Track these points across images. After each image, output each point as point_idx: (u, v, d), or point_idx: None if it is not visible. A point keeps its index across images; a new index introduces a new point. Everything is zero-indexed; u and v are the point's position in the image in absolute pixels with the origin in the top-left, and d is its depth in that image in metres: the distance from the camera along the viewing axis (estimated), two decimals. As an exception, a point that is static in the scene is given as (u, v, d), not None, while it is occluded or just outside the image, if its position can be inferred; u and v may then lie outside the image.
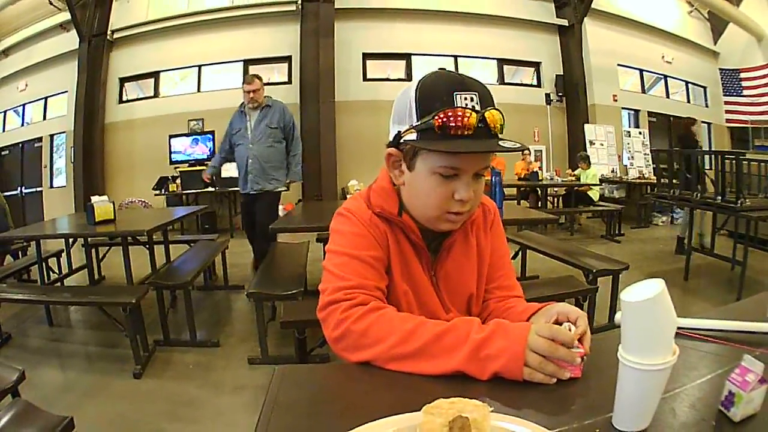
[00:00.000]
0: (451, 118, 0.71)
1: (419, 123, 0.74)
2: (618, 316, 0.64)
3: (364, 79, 7.76)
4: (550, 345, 0.62)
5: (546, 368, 0.62)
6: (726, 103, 10.17)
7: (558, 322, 0.72)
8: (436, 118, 0.72)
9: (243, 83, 3.75)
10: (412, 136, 0.76)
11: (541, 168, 7.54)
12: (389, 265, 0.83)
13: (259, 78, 3.74)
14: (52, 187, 8.82)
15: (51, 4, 8.53)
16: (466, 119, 0.71)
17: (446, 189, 0.77)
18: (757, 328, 0.77)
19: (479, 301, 0.92)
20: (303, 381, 0.68)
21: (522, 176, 6.92)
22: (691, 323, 0.78)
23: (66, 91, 8.43)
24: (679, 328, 0.52)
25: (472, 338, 0.64)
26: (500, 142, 0.74)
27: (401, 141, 0.78)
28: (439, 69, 0.80)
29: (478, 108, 0.73)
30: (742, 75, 9.96)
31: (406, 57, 7.96)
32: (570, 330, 0.67)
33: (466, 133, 0.71)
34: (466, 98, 0.73)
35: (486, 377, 0.63)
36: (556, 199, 7.38)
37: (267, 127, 3.67)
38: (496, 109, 0.74)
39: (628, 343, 0.50)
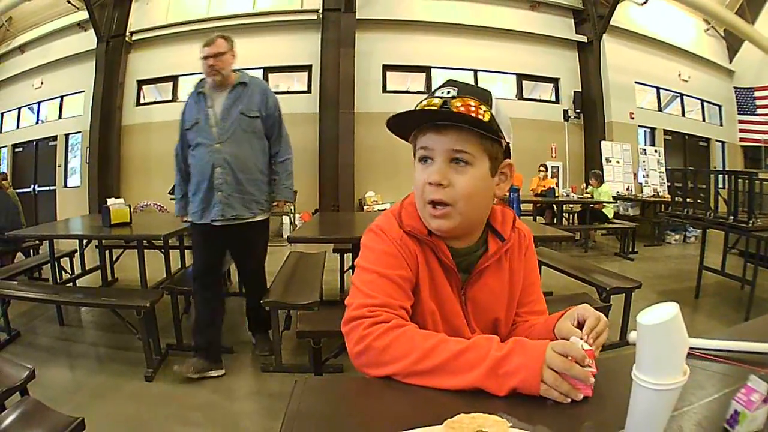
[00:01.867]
0: (422, 104, 0.77)
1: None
2: (632, 335, 0.65)
3: (384, 90, 7.80)
4: (565, 362, 0.63)
5: (561, 386, 0.62)
6: (740, 122, 10.19)
7: (580, 323, 0.75)
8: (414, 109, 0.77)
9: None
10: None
11: (557, 184, 7.56)
12: (418, 284, 0.83)
13: (227, 39, 2.45)
14: (66, 186, 8.83)
15: (69, 2, 8.54)
16: (429, 104, 0.76)
17: (423, 175, 0.79)
18: (763, 349, 0.79)
19: (507, 325, 0.92)
20: (323, 392, 0.70)
21: (538, 192, 6.94)
22: (701, 343, 0.80)
23: (83, 91, 8.45)
24: (690, 348, 0.54)
25: (492, 355, 0.66)
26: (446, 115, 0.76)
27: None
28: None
29: (451, 96, 0.76)
30: (756, 93, 9.99)
31: (426, 69, 8.00)
32: (582, 347, 0.68)
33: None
34: (443, 91, 0.77)
35: (504, 393, 0.64)
36: (571, 216, 7.40)
37: (242, 116, 2.42)
38: (473, 98, 0.76)
39: (643, 363, 0.52)
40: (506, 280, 0.90)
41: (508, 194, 6.52)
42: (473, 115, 0.74)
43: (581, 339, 0.71)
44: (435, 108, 0.75)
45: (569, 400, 0.63)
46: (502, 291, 0.89)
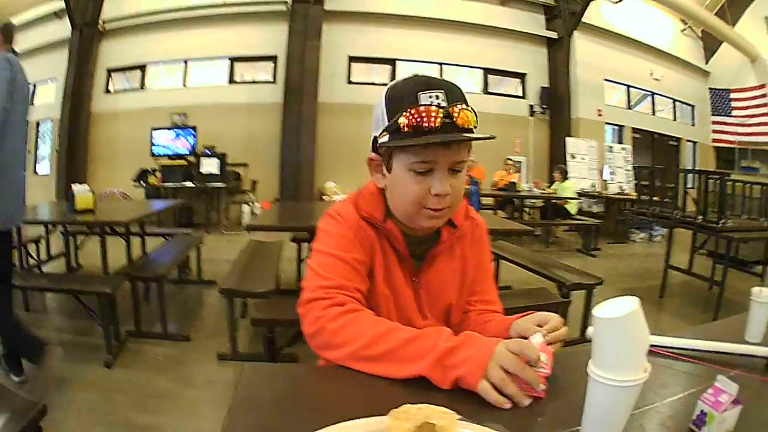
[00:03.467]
0: (415, 116, 0.74)
1: (389, 124, 0.77)
2: (589, 330, 0.64)
3: (348, 81, 7.78)
4: (517, 362, 0.61)
5: (506, 387, 0.60)
6: (714, 122, 10.19)
7: (540, 325, 0.74)
8: (402, 116, 0.75)
9: None
10: (385, 138, 0.79)
11: (519, 179, 7.55)
12: (373, 270, 0.85)
13: None
14: (35, 173, 8.84)
15: None
16: (430, 117, 0.73)
17: (422, 185, 0.78)
18: (732, 349, 0.77)
19: (459, 311, 0.93)
20: (272, 379, 0.69)
21: (500, 186, 6.93)
22: (665, 341, 0.78)
23: (55, 79, 8.45)
24: (653, 345, 0.52)
25: (441, 346, 0.65)
26: (466, 134, 0.76)
27: (378, 145, 0.81)
28: (411, 74, 0.82)
29: (444, 104, 0.75)
30: (732, 95, 9.98)
31: (392, 62, 7.98)
32: (542, 339, 0.67)
33: (432, 126, 0.74)
34: (431, 96, 0.75)
35: (447, 385, 0.63)
36: (533, 211, 7.39)
37: None
38: (466, 106, 0.76)
39: (599, 358, 0.50)
40: (458, 267, 0.92)
41: (469, 186, 6.52)
42: (471, 124, 0.76)
43: (540, 334, 0.69)
44: (438, 123, 0.74)
45: (508, 405, 0.59)
46: (453, 277, 0.91)
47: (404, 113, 0.74)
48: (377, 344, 0.68)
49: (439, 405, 0.51)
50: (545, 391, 0.61)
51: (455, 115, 0.74)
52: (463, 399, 0.60)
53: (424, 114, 0.73)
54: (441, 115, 0.74)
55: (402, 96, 0.77)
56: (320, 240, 0.86)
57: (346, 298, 0.77)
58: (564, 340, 0.74)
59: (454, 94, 0.76)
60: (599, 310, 0.49)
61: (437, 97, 0.75)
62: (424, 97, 0.75)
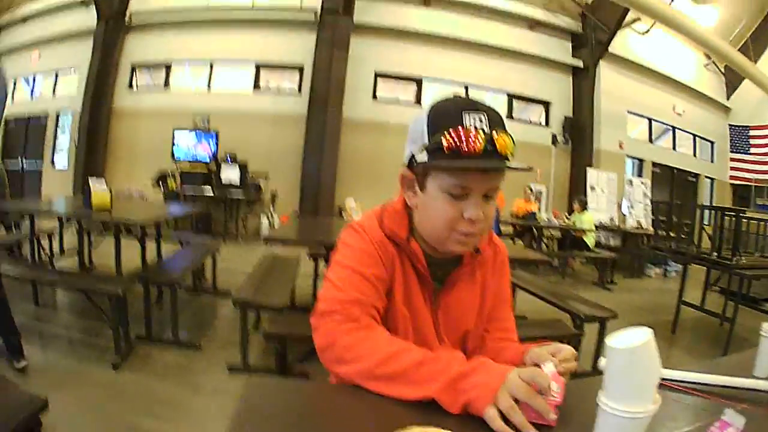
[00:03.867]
0: (460, 138, 0.73)
1: (429, 143, 0.76)
2: (601, 362, 0.63)
3: (374, 97, 7.76)
4: (528, 390, 0.61)
5: (513, 416, 0.59)
6: (732, 159, 10.18)
7: (554, 355, 0.74)
8: (445, 136, 0.74)
9: None
10: (424, 156, 0.78)
11: (539, 208, 7.55)
12: (392, 288, 0.84)
13: None
14: (53, 164, 8.82)
15: None
16: (472, 140, 0.73)
17: (456, 209, 0.78)
18: (740, 384, 0.78)
19: (476, 338, 0.92)
20: (277, 394, 0.68)
21: (520, 215, 6.92)
22: (675, 375, 0.79)
23: (77, 70, 8.42)
24: (662, 378, 0.53)
25: (454, 370, 0.65)
26: (508, 163, 0.76)
27: (414, 162, 0.80)
28: (454, 94, 0.82)
29: (486, 128, 0.74)
30: (752, 132, 9.97)
31: (418, 80, 7.96)
32: (550, 370, 0.67)
33: (474, 151, 0.73)
34: (474, 117, 0.75)
35: (456, 410, 0.62)
36: (551, 241, 7.39)
37: None
38: (506, 133, 0.76)
39: (610, 389, 0.50)
40: (478, 293, 0.91)
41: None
42: (509, 152, 0.76)
43: (553, 363, 0.69)
44: (480, 147, 0.73)
45: None
46: (473, 303, 0.91)
47: (447, 133, 0.74)
48: (389, 363, 0.68)
49: (446, 428, 0.52)
50: (555, 420, 0.61)
51: (496, 141, 0.74)
52: (471, 425, 0.60)
53: (465, 137, 0.73)
54: (483, 139, 0.73)
55: (445, 115, 0.76)
56: (341, 252, 0.85)
57: (361, 314, 0.76)
58: (574, 372, 0.73)
59: (495, 119, 0.76)
60: (612, 340, 0.49)
61: (480, 120, 0.75)
62: (468, 118, 0.74)
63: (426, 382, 0.65)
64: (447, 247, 0.82)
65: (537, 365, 0.71)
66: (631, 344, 0.48)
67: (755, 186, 9.96)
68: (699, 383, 0.77)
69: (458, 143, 0.73)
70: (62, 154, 8.76)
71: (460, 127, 0.73)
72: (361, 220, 0.89)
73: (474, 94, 7.99)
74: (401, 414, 0.62)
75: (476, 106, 0.76)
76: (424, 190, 0.81)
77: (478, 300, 0.91)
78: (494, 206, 0.81)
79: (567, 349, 0.75)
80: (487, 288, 0.92)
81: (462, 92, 7.74)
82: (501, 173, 0.78)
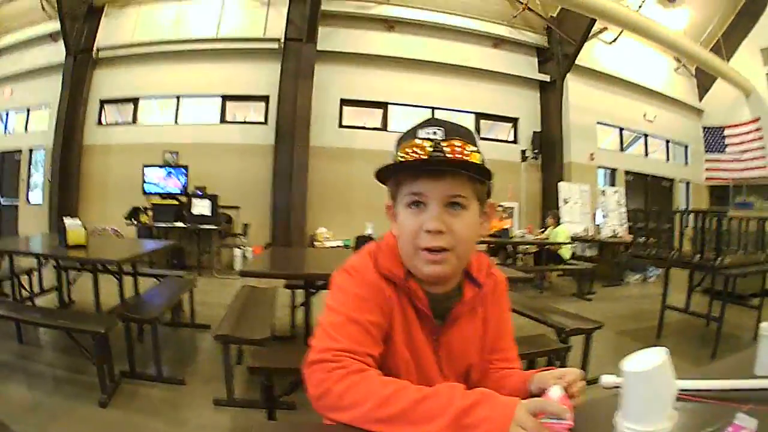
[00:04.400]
0: (407, 149, 0.75)
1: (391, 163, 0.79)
2: (603, 379, 0.65)
3: (340, 125, 7.76)
4: (537, 425, 0.60)
5: None
6: (707, 161, 10.20)
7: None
8: (398, 151, 0.77)
9: None
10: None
11: (512, 224, 7.57)
12: (392, 331, 0.81)
13: None
14: (28, 201, 8.83)
15: (44, 9, 8.50)
16: (419, 148, 0.75)
17: (417, 221, 0.77)
18: (746, 386, 0.78)
19: (479, 371, 0.91)
20: None
21: (492, 233, 6.93)
22: (682, 384, 0.77)
23: (48, 106, 8.42)
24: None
25: (456, 405, 0.63)
26: (452, 165, 0.75)
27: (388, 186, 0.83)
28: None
29: (439, 138, 0.75)
30: (727, 132, 10.01)
31: (383, 105, 7.96)
32: (562, 391, 0.67)
33: (420, 157, 0.74)
34: (428, 131, 0.76)
35: None
36: (525, 257, 7.41)
37: None
38: (463, 140, 0.76)
39: (628, 410, 0.50)
40: (480, 327, 0.89)
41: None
42: (465, 157, 0.75)
43: (559, 386, 0.69)
44: (425, 154, 0.74)
45: None
46: (475, 338, 0.89)
47: (399, 148, 0.77)
48: (387, 406, 0.66)
49: None
50: None
51: (446, 145, 0.74)
52: None
53: (413, 146, 0.75)
54: (429, 146, 0.74)
55: (406, 134, 0.79)
56: (334, 297, 0.82)
57: (354, 362, 0.73)
58: (581, 396, 0.73)
59: (455, 132, 0.77)
60: (628, 363, 0.49)
61: (435, 133, 0.76)
62: (422, 132, 0.76)
63: (429, 420, 0.63)
64: (419, 269, 0.80)
65: (543, 390, 0.72)
66: (647, 367, 0.48)
67: (733, 185, 10.00)
68: (704, 389, 0.77)
69: (407, 154, 0.75)
70: (37, 191, 8.78)
71: (412, 141, 0.76)
72: (354, 260, 0.85)
73: (440, 116, 7.98)
74: None
75: (434, 122, 0.78)
76: (397, 214, 0.82)
77: (480, 334, 0.89)
78: (466, 221, 0.78)
79: (573, 373, 0.74)
80: (489, 322, 0.90)
81: (429, 115, 7.76)
82: (459, 181, 0.76)
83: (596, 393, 0.79)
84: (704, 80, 10.11)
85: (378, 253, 0.84)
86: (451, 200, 0.77)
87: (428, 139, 0.75)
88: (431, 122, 0.78)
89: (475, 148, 0.77)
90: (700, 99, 10.24)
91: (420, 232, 0.77)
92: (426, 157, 0.75)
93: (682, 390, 0.74)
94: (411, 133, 0.77)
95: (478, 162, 0.76)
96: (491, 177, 0.78)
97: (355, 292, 0.80)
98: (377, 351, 0.78)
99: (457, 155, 0.74)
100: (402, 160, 0.77)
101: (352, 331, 0.76)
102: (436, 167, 0.75)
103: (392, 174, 0.80)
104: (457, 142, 0.75)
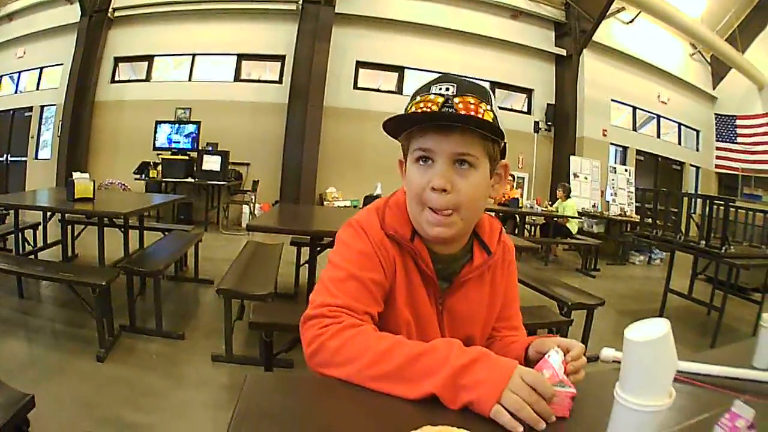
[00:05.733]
0: (420, 103, 0.73)
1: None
2: (604, 352, 0.64)
3: (355, 87, 7.74)
4: (532, 393, 0.59)
5: (521, 412, 0.57)
6: (718, 148, 10.19)
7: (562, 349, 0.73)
8: (410, 106, 0.75)
9: None
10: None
11: (521, 195, 7.54)
12: (393, 291, 0.80)
13: None
14: (36, 158, 8.81)
15: None
16: (431, 102, 0.72)
17: (423, 177, 0.75)
18: (745, 375, 0.77)
19: (483, 340, 0.89)
20: (276, 391, 0.65)
21: (501, 202, 6.90)
22: (682, 366, 0.78)
23: (61, 64, 8.42)
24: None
25: (452, 364, 0.61)
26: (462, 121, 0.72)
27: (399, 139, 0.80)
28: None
29: (451, 94, 0.73)
30: (738, 122, 9.99)
31: (399, 69, 7.95)
32: (561, 356, 0.67)
33: (430, 111, 0.72)
34: (441, 87, 0.73)
35: (457, 406, 0.60)
36: (533, 228, 7.38)
37: None
38: (476, 97, 0.73)
39: (628, 382, 0.49)
40: (486, 294, 0.87)
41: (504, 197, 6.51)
42: (477, 114, 0.72)
43: (558, 351, 0.68)
44: (436, 108, 0.72)
45: (521, 429, 0.56)
46: (481, 305, 0.86)
47: (413, 102, 0.75)
48: (382, 362, 0.64)
49: (451, 424, 0.50)
50: (570, 411, 0.61)
51: (456, 101, 0.72)
52: (474, 419, 0.59)
53: (424, 101, 0.73)
54: (440, 100, 0.72)
55: (419, 89, 0.76)
56: (338, 252, 0.81)
57: (350, 319, 0.72)
58: (579, 371, 0.71)
59: (469, 89, 0.74)
60: (630, 332, 0.47)
61: (447, 89, 0.73)
62: (434, 88, 0.74)
63: (424, 378, 0.62)
64: (423, 230, 0.78)
65: (541, 355, 0.71)
66: (650, 336, 0.46)
67: (742, 175, 9.96)
68: (703, 374, 0.77)
69: (419, 108, 0.72)
70: (46, 148, 8.76)
71: (427, 95, 0.73)
72: (361, 216, 0.83)
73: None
74: (405, 410, 0.60)
75: (449, 79, 0.75)
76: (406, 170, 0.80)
77: (486, 302, 0.87)
78: (473, 182, 0.75)
79: (577, 346, 0.72)
80: (496, 288, 0.88)
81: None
82: (468, 138, 0.73)
83: (597, 367, 0.78)
84: (718, 68, 10.08)
85: (386, 211, 0.83)
86: (459, 158, 0.74)
87: (440, 95, 0.73)
88: (446, 78, 0.76)
89: (488, 107, 0.74)
90: (714, 86, 10.21)
91: (426, 189, 0.75)
92: (436, 111, 0.72)
93: (680, 372, 0.75)
94: (425, 88, 0.75)
95: (488, 118, 0.73)
96: (503, 136, 0.75)
97: (359, 248, 0.79)
98: (376, 310, 0.77)
99: (470, 112, 0.72)
100: (413, 112, 0.75)
101: (351, 288, 0.75)
102: (443, 122, 0.73)
103: (399, 126, 0.77)
104: (471, 99, 0.72)
